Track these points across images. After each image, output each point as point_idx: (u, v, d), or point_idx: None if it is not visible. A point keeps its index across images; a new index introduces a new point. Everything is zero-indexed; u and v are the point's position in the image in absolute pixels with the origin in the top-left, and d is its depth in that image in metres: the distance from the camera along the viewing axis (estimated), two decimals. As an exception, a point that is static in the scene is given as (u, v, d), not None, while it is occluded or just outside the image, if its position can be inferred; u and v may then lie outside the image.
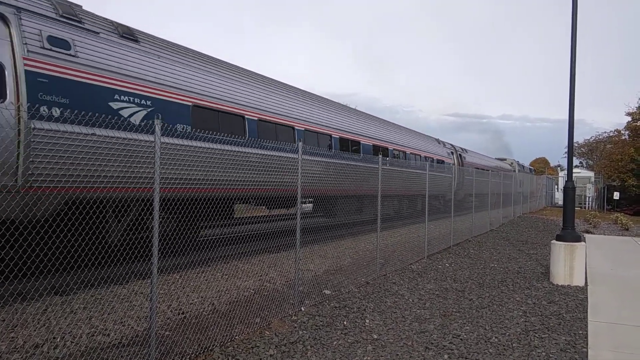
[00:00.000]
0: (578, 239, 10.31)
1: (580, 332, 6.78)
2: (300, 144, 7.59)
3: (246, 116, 12.03)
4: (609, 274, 11.18)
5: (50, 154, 7.19)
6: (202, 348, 5.45)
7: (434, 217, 15.29)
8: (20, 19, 7.52)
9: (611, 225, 25.55)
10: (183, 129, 9.91)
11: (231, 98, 11.66)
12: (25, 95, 7.33)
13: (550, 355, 5.82)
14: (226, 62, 12.87)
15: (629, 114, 46.29)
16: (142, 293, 7.46)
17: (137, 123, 8.81)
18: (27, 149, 6.94)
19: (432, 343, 6.15)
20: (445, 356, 5.71)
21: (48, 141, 7.21)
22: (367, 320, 7.03)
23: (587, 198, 48.55)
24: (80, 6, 9.16)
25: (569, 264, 10.00)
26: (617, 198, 42.07)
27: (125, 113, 8.83)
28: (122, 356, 5.01)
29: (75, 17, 8.62)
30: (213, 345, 5.58)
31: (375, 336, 6.35)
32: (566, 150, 14.22)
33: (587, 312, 7.78)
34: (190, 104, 10.36)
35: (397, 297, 8.54)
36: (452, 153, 29.02)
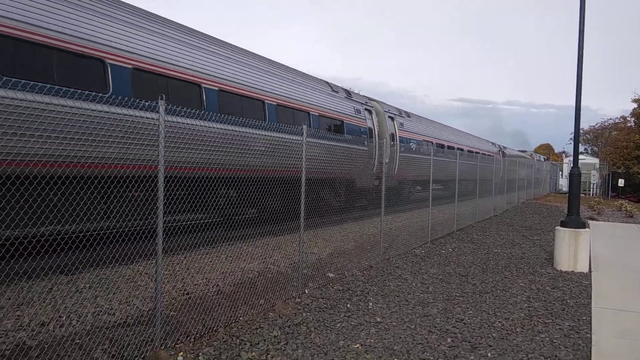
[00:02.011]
0: (582, 225, 10.28)
1: (584, 317, 6.79)
2: (305, 127, 7.53)
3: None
4: (613, 260, 11.16)
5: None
6: (206, 328, 5.48)
7: (438, 202, 15.26)
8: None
9: (615, 212, 25.48)
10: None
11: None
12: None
13: (554, 340, 5.83)
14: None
15: (635, 100, 45.85)
16: (146, 273, 7.49)
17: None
18: None
19: (435, 327, 6.17)
20: (449, 340, 5.73)
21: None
22: (371, 304, 7.05)
23: (592, 185, 48.41)
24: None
25: (573, 250, 9.99)
26: (622, 185, 41.93)
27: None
28: (127, 335, 5.04)
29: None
30: (217, 326, 5.61)
31: (378, 319, 6.37)
32: (571, 136, 14.14)
33: (590, 298, 7.78)
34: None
35: (401, 280, 8.56)
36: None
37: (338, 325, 6.08)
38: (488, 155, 28.87)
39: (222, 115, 9.91)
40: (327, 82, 17.36)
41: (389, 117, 19.81)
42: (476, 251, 11.95)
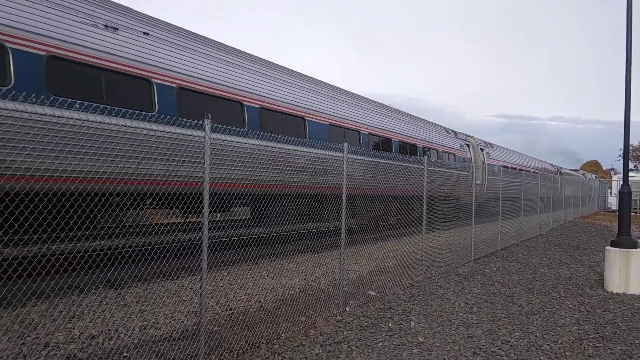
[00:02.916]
0: (634, 245, 9.86)
1: (637, 341, 6.48)
2: (345, 144, 7.60)
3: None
4: (668, 282, 10.62)
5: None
6: (249, 344, 5.53)
7: (480, 220, 14.99)
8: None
9: (670, 232, 24.28)
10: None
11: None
12: None
13: (606, 366, 5.60)
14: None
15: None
16: (191, 288, 7.64)
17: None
18: None
19: (480, 348, 6.02)
20: (494, 362, 5.59)
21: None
22: (413, 323, 6.96)
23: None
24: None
25: (624, 271, 9.58)
26: (676, 204, 39.99)
27: None
28: (172, 349, 5.14)
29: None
30: (260, 342, 5.66)
31: (421, 339, 6.28)
32: (620, 153, 13.68)
33: (644, 322, 7.44)
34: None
35: (443, 300, 8.41)
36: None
37: (380, 344, 6.02)
38: (547, 175, 30.16)
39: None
40: (443, 127, 24.09)
41: (480, 148, 25.77)
42: (522, 271, 11.62)
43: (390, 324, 6.84)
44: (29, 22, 7.27)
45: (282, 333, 6.06)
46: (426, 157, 11.34)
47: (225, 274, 8.78)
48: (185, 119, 8.32)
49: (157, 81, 8.92)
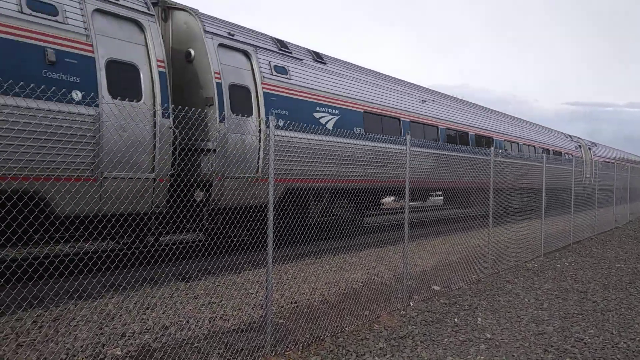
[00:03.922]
0: None
1: None
2: (408, 137, 7.53)
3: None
4: None
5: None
6: (313, 337, 5.61)
7: (550, 212, 14.39)
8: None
9: None
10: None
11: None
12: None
13: (692, 367, 5.25)
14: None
15: None
16: (256, 281, 7.82)
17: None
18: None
19: (551, 346, 5.81)
20: (567, 360, 5.37)
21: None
22: (479, 319, 6.80)
23: None
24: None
25: None
26: None
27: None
28: (240, 341, 5.30)
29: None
30: (324, 335, 5.73)
31: (488, 335, 6.13)
32: None
33: None
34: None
35: (512, 296, 8.16)
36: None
37: (445, 340, 5.94)
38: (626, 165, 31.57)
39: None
40: (562, 132, 29.95)
41: (588, 148, 30.58)
42: (596, 266, 11.07)
43: (456, 320, 6.73)
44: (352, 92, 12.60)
45: (346, 326, 6.10)
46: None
47: (289, 267, 8.93)
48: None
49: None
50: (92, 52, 7.06)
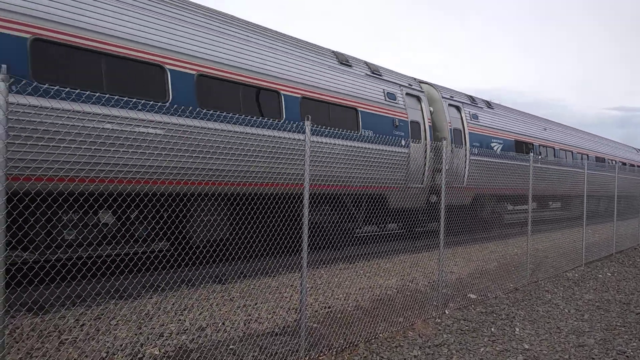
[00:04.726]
0: None
1: None
2: (531, 155, 7.63)
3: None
4: None
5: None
6: (347, 342, 5.61)
7: (591, 221, 13.98)
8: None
9: None
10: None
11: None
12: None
13: None
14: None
15: None
16: (290, 285, 7.87)
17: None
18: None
19: (592, 358, 5.64)
20: (609, 374, 5.20)
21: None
22: (517, 329, 6.66)
23: None
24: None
25: None
26: None
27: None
28: (274, 344, 5.35)
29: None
30: (358, 341, 5.71)
31: (526, 346, 6.00)
32: None
33: None
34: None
35: (551, 306, 7.96)
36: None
37: (482, 349, 5.84)
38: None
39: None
40: (632, 147, 33.69)
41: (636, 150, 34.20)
42: (640, 277, 10.68)
43: (492, 329, 6.60)
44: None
45: (380, 333, 6.08)
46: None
47: (323, 272, 8.95)
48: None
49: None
50: (407, 117, 12.95)
